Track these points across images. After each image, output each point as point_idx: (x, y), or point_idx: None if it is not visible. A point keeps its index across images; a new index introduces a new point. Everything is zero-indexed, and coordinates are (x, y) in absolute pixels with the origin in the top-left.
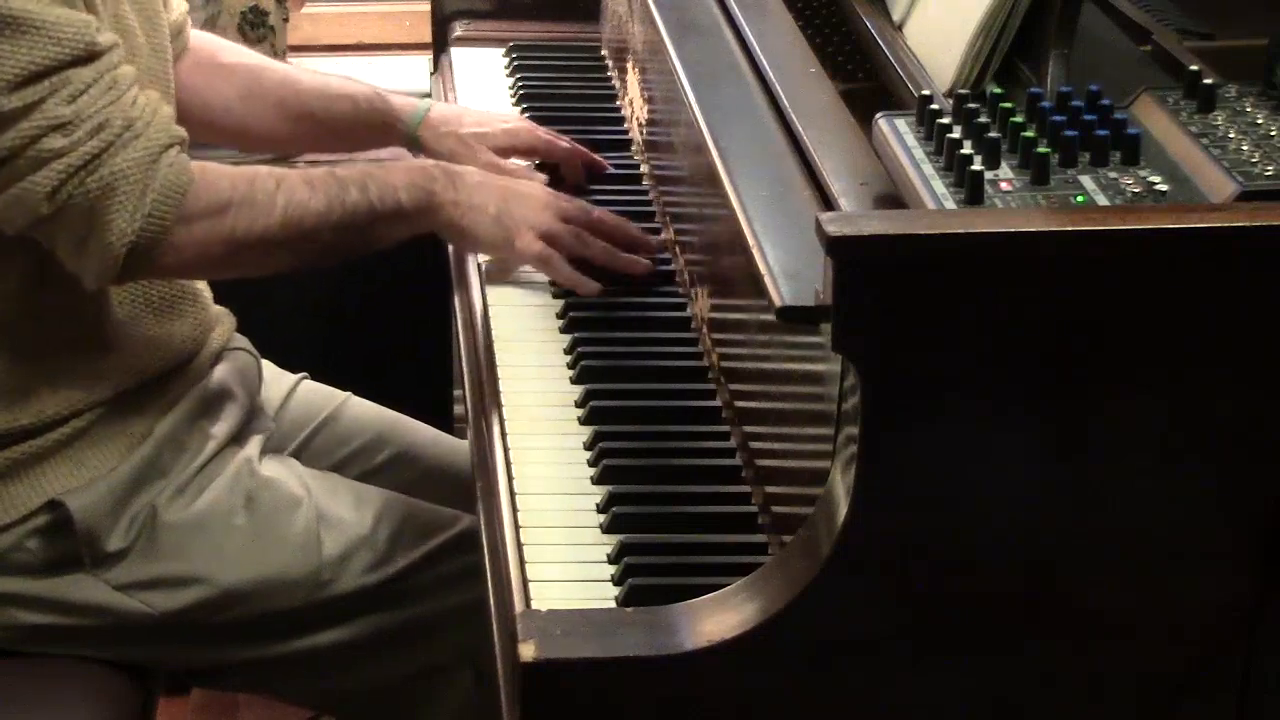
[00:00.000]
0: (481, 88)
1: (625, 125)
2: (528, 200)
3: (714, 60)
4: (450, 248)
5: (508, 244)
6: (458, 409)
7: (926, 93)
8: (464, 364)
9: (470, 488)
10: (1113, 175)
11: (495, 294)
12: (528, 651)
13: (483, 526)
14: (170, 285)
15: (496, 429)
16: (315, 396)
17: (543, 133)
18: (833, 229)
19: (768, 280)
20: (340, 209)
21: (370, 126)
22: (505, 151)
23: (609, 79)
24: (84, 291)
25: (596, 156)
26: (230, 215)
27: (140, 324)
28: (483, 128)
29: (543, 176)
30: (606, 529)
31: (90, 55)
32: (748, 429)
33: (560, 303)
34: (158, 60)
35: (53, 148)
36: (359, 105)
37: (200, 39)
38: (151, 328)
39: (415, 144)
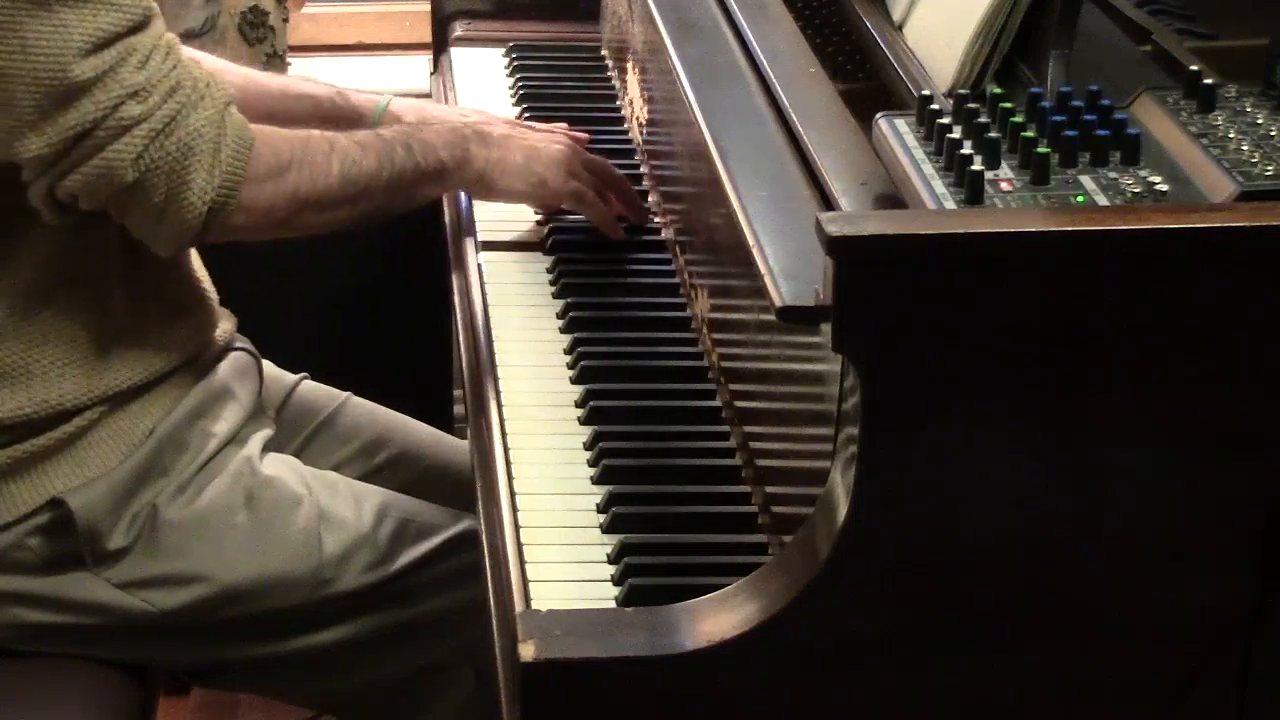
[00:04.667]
0: (481, 88)
1: (625, 125)
2: (552, 147)
3: (714, 60)
4: (449, 247)
5: (540, 188)
6: (458, 409)
7: (926, 93)
8: (464, 364)
9: (470, 488)
10: (1113, 175)
11: (495, 294)
12: (528, 651)
13: (483, 526)
14: (178, 286)
15: (496, 429)
16: (315, 396)
17: None
18: (833, 229)
19: (768, 280)
20: (390, 168)
21: (332, 124)
22: None
23: (609, 79)
24: (95, 287)
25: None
26: (292, 173)
27: (146, 323)
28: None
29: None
30: (606, 529)
31: (147, 19)
32: (748, 429)
33: (560, 303)
34: None
35: (132, 114)
36: (320, 104)
37: None
38: (157, 327)
39: None
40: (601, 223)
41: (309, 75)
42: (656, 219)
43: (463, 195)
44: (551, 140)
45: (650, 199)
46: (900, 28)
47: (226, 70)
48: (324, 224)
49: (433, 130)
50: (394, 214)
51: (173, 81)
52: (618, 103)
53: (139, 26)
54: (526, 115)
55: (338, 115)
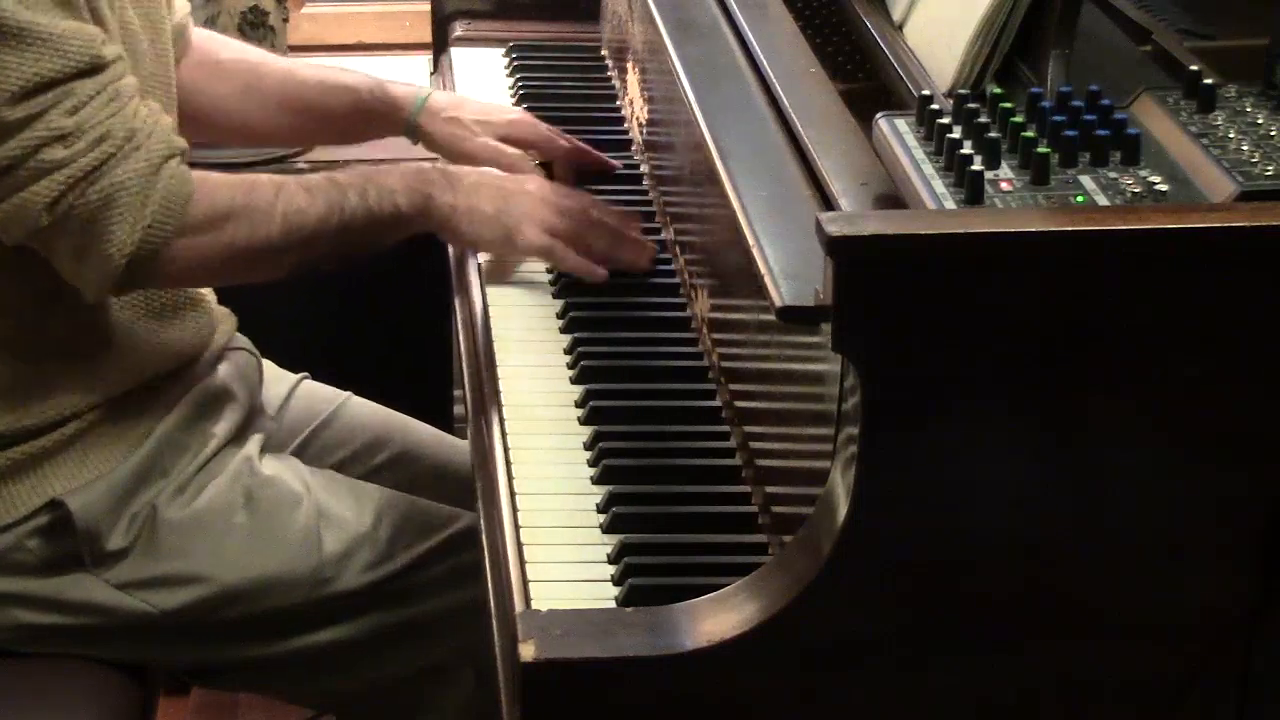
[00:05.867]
0: (481, 88)
1: (625, 125)
2: (525, 196)
3: (714, 60)
4: (450, 247)
5: (509, 240)
6: (458, 409)
7: (926, 93)
8: (464, 364)
9: (470, 487)
10: (1113, 175)
11: (495, 294)
12: (528, 651)
13: (483, 526)
14: (173, 291)
15: (496, 429)
16: (315, 396)
17: (544, 129)
18: (833, 229)
19: (768, 280)
20: (339, 214)
21: (371, 117)
22: (506, 140)
23: (609, 79)
24: (84, 301)
25: (602, 156)
26: (230, 225)
27: (142, 329)
28: (486, 116)
29: (540, 171)
30: (606, 529)
31: (94, 68)
32: (748, 429)
33: (560, 303)
34: (160, 65)
35: (54, 158)
36: (359, 96)
37: (201, 37)
38: (154, 332)
39: (416, 132)
40: (577, 272)
41: (347, 67)
42: (656, 218)
43: None
44: (526, 188)
45: (650, 198)
46: (900, 28)
47: (267, 60)
48: (267, 273)
49: (395, 174)
50: (358, 257)
51: (103, 130)
52: (618, 103)
53: (85, 72)
54: None
55: (376, 107)
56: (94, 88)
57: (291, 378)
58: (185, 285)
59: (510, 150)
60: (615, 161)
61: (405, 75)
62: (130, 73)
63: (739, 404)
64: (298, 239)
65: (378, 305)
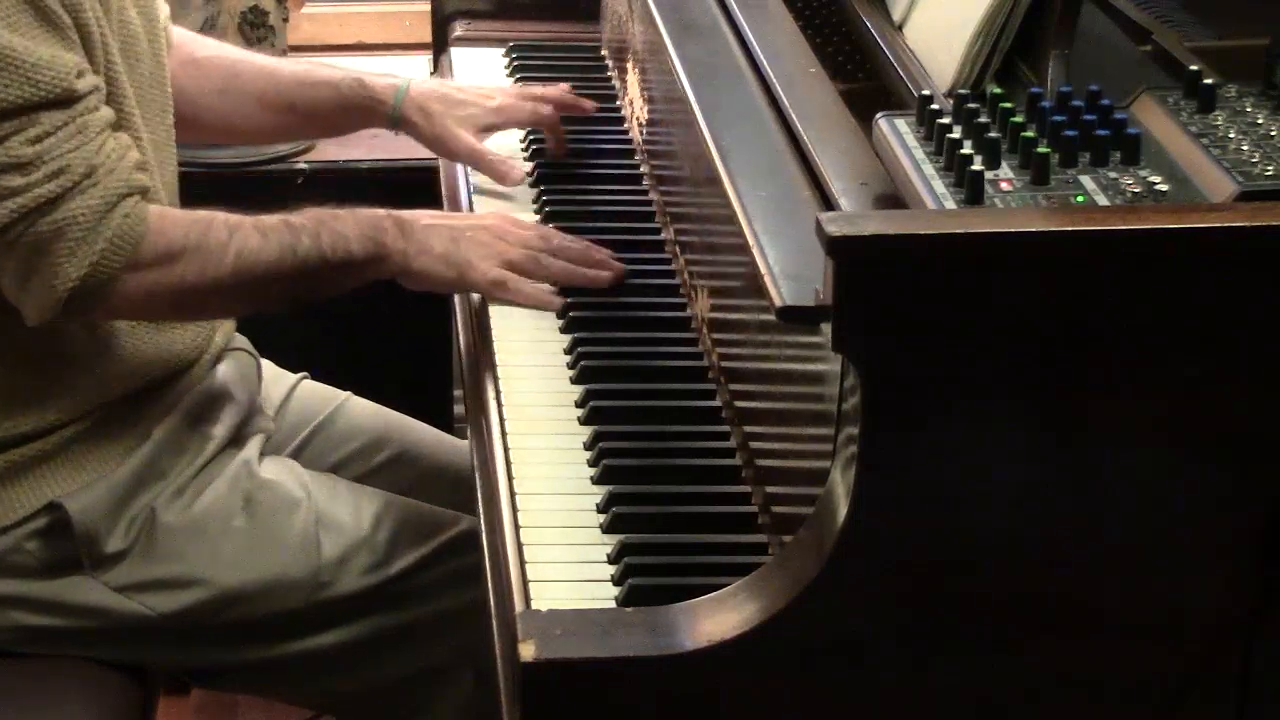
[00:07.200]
0: None
1: (625, 125)
2: (477, 234)
3: (714, 60)
4: None
5: (460, 280)
6: (458, 409)
7: (926, 93)
8: (464, 364)
9: (470, 488)
10: (1113, 175)
11: None
12: (528, 651)
13: (483, 527)
14: None
15: (496, 429)
16: (315, 396)
17: (528, 107)
18: (833, 229)
19: (768, 280)
20: (292, 258)
21: (353, 110)
22: (492, 129)
23: (609, 79)
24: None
25: (583, 102)
26: (181, 263)
27: (143, 334)
28: (467, 109)
29: (495, 209)
30: (606, 529)
31: (65, 100)
32: (748, 429)
33: (560, 303)
34: (156, 63)
35: (9, 186)
36: (340, 91)
37: (181, 36)
38: (154, 337)
39: (398, 124)
40: (530, 304)
41: (326, 61)
42: (656, 218)
43: (464, 194)
44: (480, 226)
45: (650, 198)
46: (900, 28)
47: (245, 58)
48: (218, 312)
49: (349, 220)
50: (310, 300)
51: (63, 163)
52: (618, 103)
53: (55, 103)
54: None
55: (356, 101)
56: (61, 119)
57: (291, 378)
58: (132, 319)
59: (490, 156)
60: (590, 104)
61: (405, 75)
62: (127, 80)
63: (739, 404)
64: (249, 280)
65: (378, 305)
